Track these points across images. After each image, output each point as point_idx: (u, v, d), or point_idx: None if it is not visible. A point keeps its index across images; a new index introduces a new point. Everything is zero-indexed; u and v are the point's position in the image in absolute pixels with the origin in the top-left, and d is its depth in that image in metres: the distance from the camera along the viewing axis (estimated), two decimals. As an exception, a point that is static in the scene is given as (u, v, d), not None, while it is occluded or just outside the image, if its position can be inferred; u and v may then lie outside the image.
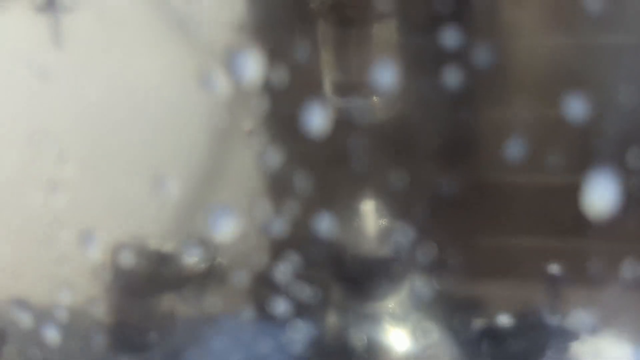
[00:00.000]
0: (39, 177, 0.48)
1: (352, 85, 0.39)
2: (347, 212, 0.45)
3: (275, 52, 0.53)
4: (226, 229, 0.47)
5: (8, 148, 0.47)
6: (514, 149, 0.44)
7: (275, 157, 0.58)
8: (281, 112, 0.60)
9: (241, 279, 0.45)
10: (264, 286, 0.52)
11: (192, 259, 0.43)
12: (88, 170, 0.50)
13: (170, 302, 0.45)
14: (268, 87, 0.60)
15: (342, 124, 0.43)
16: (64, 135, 0.48)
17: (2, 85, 0.45)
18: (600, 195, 0.47)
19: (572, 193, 0.45)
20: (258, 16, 0.58)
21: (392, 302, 0.44)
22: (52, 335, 0.47)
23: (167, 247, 0.44)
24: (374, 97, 0.39)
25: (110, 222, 0.52)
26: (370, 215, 0.44)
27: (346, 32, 0.39)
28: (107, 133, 0.52)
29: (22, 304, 0.48)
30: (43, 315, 0.48)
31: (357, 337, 0.44)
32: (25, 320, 0.48)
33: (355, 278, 0.44)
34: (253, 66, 0.56)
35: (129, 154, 0.53)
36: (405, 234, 0.43)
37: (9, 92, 0.46)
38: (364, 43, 0.39)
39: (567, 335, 0.43)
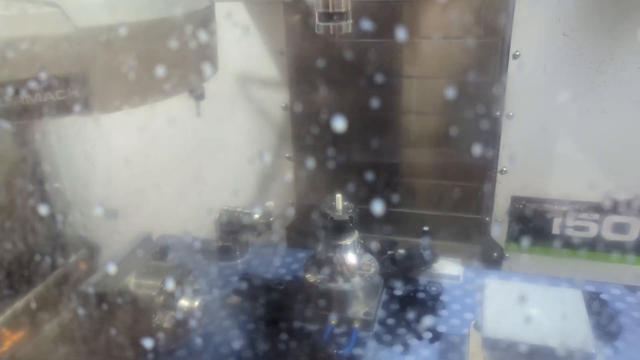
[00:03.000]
0: (186, 175, 0.99)
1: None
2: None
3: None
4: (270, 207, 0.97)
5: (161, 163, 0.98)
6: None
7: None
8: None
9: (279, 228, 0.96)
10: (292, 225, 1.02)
11: (259, 216, 0.94)
12: (209, 174, 1.01)
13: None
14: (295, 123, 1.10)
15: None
16: (194, 160, 0.99)
17: (165, 134, 0.96)
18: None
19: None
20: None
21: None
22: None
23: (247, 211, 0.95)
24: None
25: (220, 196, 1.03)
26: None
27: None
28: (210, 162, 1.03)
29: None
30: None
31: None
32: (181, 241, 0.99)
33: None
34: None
35: (224, 177, 1.05)
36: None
37: (170, 138, 0.96)
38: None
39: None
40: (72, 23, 0.50)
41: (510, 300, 0.75)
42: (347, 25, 0.75)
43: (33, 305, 0.84)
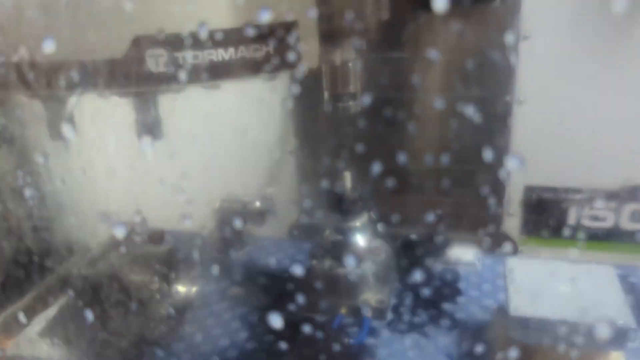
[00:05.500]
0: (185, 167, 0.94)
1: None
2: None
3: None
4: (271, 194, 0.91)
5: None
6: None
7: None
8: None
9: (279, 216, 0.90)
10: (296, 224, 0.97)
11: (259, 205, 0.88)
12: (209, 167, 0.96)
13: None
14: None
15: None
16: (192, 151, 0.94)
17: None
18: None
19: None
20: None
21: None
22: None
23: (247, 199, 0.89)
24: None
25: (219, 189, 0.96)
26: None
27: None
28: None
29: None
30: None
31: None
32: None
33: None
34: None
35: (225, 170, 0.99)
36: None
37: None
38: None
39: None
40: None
41: (537, 278, 0.69)
42: (355, 105, 0.74)
43: (26, 309, 0.78)
